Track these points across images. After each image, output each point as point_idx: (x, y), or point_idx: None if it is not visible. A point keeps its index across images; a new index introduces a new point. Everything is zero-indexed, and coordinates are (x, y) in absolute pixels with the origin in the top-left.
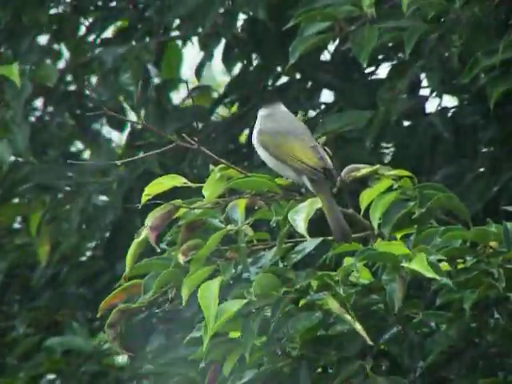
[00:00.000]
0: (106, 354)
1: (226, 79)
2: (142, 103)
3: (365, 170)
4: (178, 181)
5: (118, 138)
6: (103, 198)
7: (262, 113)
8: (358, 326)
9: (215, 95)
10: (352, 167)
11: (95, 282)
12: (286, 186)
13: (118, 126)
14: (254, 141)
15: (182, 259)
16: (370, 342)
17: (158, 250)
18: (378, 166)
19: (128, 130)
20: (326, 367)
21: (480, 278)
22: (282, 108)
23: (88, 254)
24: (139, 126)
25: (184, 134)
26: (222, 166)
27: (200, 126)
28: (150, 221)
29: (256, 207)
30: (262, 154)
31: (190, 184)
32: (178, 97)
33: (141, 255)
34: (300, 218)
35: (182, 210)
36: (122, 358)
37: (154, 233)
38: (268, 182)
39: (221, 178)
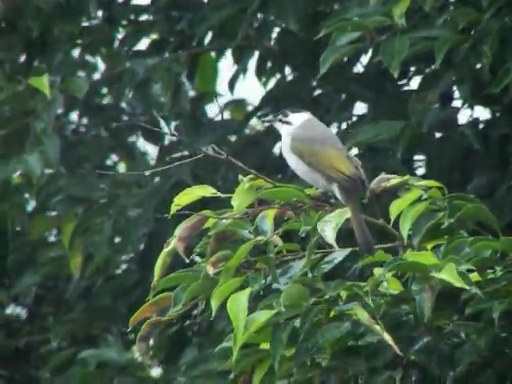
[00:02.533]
0: (139, 367)
1: (260, 92)
2: (175, 115)
3: (394, 180)
4: (207, 191)
5: (153, 151)
6: (136, 210)
7: (289, 118)
8: (388, 337)
9: (249, 108)
10: (382, 178)
11: (129, 295)
12: (315, 196)
13: (153, 139)
14: (285, 148)
15: (211, 271)
16: (400, 353)
17: (187, 261)
18: (407, 176)
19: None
20: (356, 378)
21: (509, 288)
22: (311, 116)
23: (123, 266)
24: (172, 138)
25: (213, 145)
26: (250, 176)
27: (233, 138)
28: (178, 231)
29: (285, 218)
30: (294, 161)
31: (219, 194)
32: (212, 109)
33: (171, 267)
34: (329, 229)
35: (211, 221)
36: (155, 371)
37: (183, 243)
38: (297, 192)
39: (250, 189)
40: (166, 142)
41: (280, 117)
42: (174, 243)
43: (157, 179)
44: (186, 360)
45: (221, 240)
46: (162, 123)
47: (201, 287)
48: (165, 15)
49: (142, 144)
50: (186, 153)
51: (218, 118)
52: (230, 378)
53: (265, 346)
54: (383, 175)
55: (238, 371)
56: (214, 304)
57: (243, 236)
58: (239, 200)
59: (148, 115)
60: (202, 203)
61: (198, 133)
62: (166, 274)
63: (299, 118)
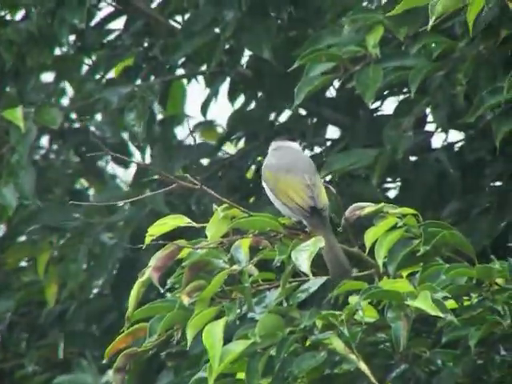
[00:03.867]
0: None
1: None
2: (148, 141)
3: (369, 208)
4: (181, 221)
5: (124, 173)
6: (110, 235)
7: (271, 147)
8: (363, 366)
9: (220, 130)
10: (356, 206)
11: (103, 320)
12: (289, 225)
13: (123, 162)
14: (262, 175)
15: (186, 301)
16: (375, 382)
17: (162, 291)
18: (382, 204)
19: (135, 168)
20: None
21: (485, 315)
22: (292, 143)
23: (95, 291)
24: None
25: (187, 175)
26: (225, 205)
27: (206, 162)
28: (153, 261)
29: (260, 247)
30: (265, 188)
31: (193, 224)
32: (183, 133)
33: (147, 298)
34: (303, 258)
35: (185, 251)
36: None
37: (157, 273)
38: (271, 222)
39: (224, 218)
40: (136, 167)
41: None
42: (148, 273)
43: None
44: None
45: (195, 270)
46: (131, 146)
47: (176, 317)
48: (137, 41)
49: (113, 167)
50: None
51: (188, 141)
52: None
53: (241, 375)
54: (358, 204)
55: None
56: (190, 334)
57: (218, 266)
58: (213, 230)
59: (117, 138)
60: (177, 232)
61: (171, 157)
62: (140, 305)
63: (275, 146)
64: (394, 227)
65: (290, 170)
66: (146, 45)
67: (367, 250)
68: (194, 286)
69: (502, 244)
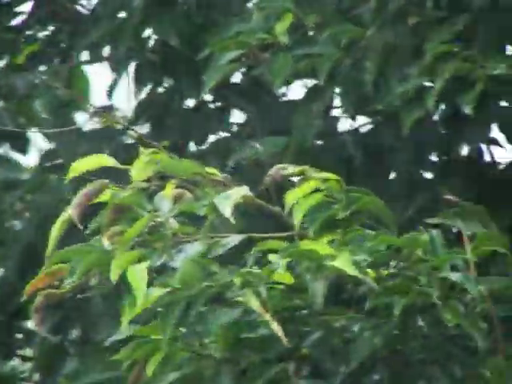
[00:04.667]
0: (20, 378)
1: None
2: (53, 127)
3: (291, 169)
4: (107, 161)
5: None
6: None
7: None
8: (276, 327)
9: (125, 116)
10: (281, 166)
11: (7, 304)
12: (216, 175)
13: (22, 149)
14: None
15: (107, 244)
16: (287, 344)
17: (81, 227)
18: (305, 166)
19: (41, 152)
20: (249, 370)
21: (407, 284)
22: None
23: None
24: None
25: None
26: (151, 149)
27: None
28: (74, 199)
29: (184, 200)
30: None
31: (118, 165)
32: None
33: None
34: (227, 203)
35: (108, 193)
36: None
37: (77, 210)
38: (196, 167)
39: (150, 161)
40: (42, 152)
41: None
42: (69, 211)
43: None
44: (66, 371)
45: (117, 213)
46: (30, 133)
47: (97, 260)
48: (44, 27)
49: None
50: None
51: (91, 127)
52: (124, 366)
53: (157, 337)
54: (280, 165)
55: (131, 360)
56: (114, 273)
57: (140, 213)
58: (138, 171)
59: (15, 124)
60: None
61: (75, 142)
62: (61, 247)
63: None
64: (316, 191)
65: None
66: (52, 30)
67: (287, 212)
68: (115, 230)
69: (409, 229)
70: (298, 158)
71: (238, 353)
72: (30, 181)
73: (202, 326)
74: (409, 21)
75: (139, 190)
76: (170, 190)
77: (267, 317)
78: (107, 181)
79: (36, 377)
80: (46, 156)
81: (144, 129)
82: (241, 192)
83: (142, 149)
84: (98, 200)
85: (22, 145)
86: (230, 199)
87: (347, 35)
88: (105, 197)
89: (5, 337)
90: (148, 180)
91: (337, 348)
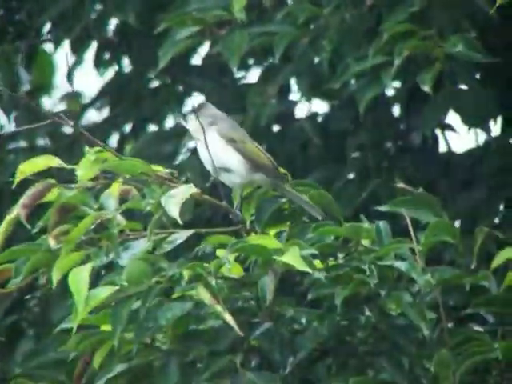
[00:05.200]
0: None
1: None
2: (13, 106)
3: None
4: (52, 161)
5: None
6: None
7: (204, 116)
8: (228, 317)
9: (87, 100)
10: None
11: None
12: (162, 172)
13: None
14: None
15: (52, 243)
16: (241, 334)
17: (29, 227)
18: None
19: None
20: (196, 362)
21: (351, 274)
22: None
23: None
24: (11, 129)
25: (62, 114)
26: (97, 148)
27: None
28: (22, 199)
29: (130, 197)
30: (221, 148)
31: (64, 165)
32: (50, 102)
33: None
34: (173, 203)
35: (55, 192)
36: None
37: (25, 210)
38: (142, 166)
39: (95, 160)
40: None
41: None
42: (16, 210)
43: None
44: (22, 351)
45: (63, 212)
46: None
47: (42, 260)
48: (4, 5)
49: None
50: (23, 143)
51: (55, 110)
52: (70, 357)
53: (105, 327)
54: None
55: (78, 351)
56: (55, 276)
57: (86, 211)
58: (83, 170)
59: None
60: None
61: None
62: (9, 246)
63: (211, 115)
64: None
65: (245, 136)
66: (12, 8)
67: (235, 206)
68: (61, 229)
69: (364, 214)
70: (253, 137)
71: (187, 345)
72: None
73: (153, 322)
74: (366, 0)
75: (85, 188)
76: (117, 187)
77: (219, 308)
78: (53, 180)
79: None
80: (5, 137)
81: (104, 112)
82: (188, 190)
83: (87, 148)
84: (45, 199)
85: None
86: (175, 198)
87: (304, 14)
88: (52, 196)
89: None
90: (94, 179)
91: (285, 339)
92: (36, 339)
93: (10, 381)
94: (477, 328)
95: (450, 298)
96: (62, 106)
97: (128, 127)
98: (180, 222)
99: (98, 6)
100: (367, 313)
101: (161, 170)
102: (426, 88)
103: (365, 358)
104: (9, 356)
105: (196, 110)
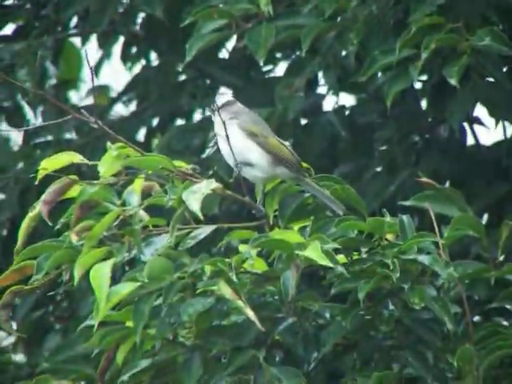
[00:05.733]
0: (3, 351)
1: (126, 77)
2: (40, 101)
3: None
4: (75, 157)
5: (17, 137)
6: (1, 196)
7: (226, 108)
8: (250, 313)
9: (115, 94)
10: None
11: None
12: (183, 168)
13: (17, 124)
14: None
15: (75, 239)
16: (262, 329)
17: (51, 224)
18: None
19: (24, 127)
20: (220, 357)
21: (374, 268)
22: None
23: None
24: (37, 124)
25: (82, 110)
26: (119, 144)
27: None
28: (44, 195)
29: (153, 193)
30: (243, 141)
31: (86, 161)
32: (78, 96)
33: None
34: (194, 198)
35: (77, 189)
36: (19, 356)
37: (47, 206)
38: (164, 161)
39: (117, 156)
40: (31, 126)
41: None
42: (38, 207)
43: (21, 165)
44: (50, 346)
45: (86, 209)
46: (27, 108)
47: (64, 256)
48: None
49: (5, 130)
50: (50, 138)
51: (83, 104)
52: (94, 354)
53: (130, 324)
54: None
55: (101, 347)
56: (77, 273)
57: (109, 207)
58: (106, 167)
59: (12, 100)
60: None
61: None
62: (32, 243)
63: (236, 108)
64: None
65: (267, 130)
66: (38, 2)
67: (258, 201)
68: (83, 225)
69: (391, 207)
70: (280, 130)
71: (210, 340)
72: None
73: (175, 317)
74: None
75: (107, 184)
76: (139, 183)
77: (240, 303)
78: (75, 176)
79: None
80: (34, 131)
81: (131, 106)
82: (209, 186)
83: (109, 144)
84: (67, 196)
85: (19, 120)
86: (197, 193)
87: (331, 7)
88: (73, 193)
89: None
90: (117, 175)
91: (309, 334)
92: (64, 334)
93: (37, 375)
94: (502, 322)
95: (474, 292)
96: (89, 101)
97: (155, 121)
98: (201, 217)
99: (125, 0)
100: (391, 307)
101: (183, 165)
102: (453, 81)
103: (389, 353)
104: (37, 350)
105: (217, 106)
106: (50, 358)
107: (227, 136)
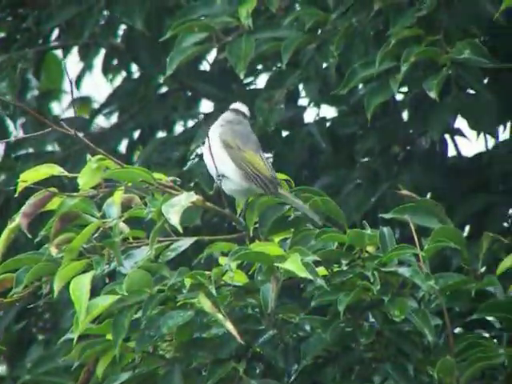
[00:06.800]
0: None
1: (107, 89)
2: (21, 113)
3: None
4: (54, 170)
5: None
6: None
7: (224, 117)
8: (230, 326)
9: (96, 106)
10: None
11: None
12: (163, 180)
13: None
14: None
15: (54, 252)
16: (241, 341)
17: (30, 237)
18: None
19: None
20: (200, 370)
21: (355, 281)
22: (243, 119)
23: None
24: (18, 135)
25: (62, 122)
26: (99, 156)
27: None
28: (24, 208)
29: (132, 205)
30: (217, 154)
31: (66, 173)
32: (60, 107)
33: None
34: (174, 211)
35: (57, 201)
36: (1, 368)
37: (27, 219)
38: (143, 174)
39: (97, 168)
40: (12, 139)
41: None
42: (17, 219)
43: (2, 177)
44: (32, 357)
45: (65, 221)
46: (8, 121)
47: (44, 269)
48: (11, 12)
49: None
50: (31, 150)
51: (64, 116)
52: (74, 367)
53: (109, 336)
54: None
55: (81, 361)
56: (57, 285)
57: (88, 219)
58: (85, 179)
59: None
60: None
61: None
62: (14, 255)
63: (230, 118)
64: None
65: (246, 144)
66: (19, 15)
67: (238, 213)
68: (63, 237)
69: (372, 219)
70: (261, 142)
71: (191, 353)
72: None
73: (154, 330)
74: (374, 6)
75: (87, 197)
76: (119, 196)
77: (220, 316)
78: (55, 189)
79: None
80: (15, 144)
81: (113, 118)
82: (189, 198)
83: (89, 156)
84: (47, 208)
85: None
86: (176, 206)
87: (312, 19)
88: (54, 205)
89: None
90: (96, 187)
91: (289, 346)
92: (46, 346)
93: None
94: (483, 334)
95: (455, 304)
96: (72, 112)
97: (137, 133)
98: (181, 231)
99: (106, 12)
100: (371, 319)
101: (163, 177)
102: (432, 94)
103: (370, 365)
104: (19, 362)
105: (203, 116)
106: (31, 369)
107: (209, 146)
